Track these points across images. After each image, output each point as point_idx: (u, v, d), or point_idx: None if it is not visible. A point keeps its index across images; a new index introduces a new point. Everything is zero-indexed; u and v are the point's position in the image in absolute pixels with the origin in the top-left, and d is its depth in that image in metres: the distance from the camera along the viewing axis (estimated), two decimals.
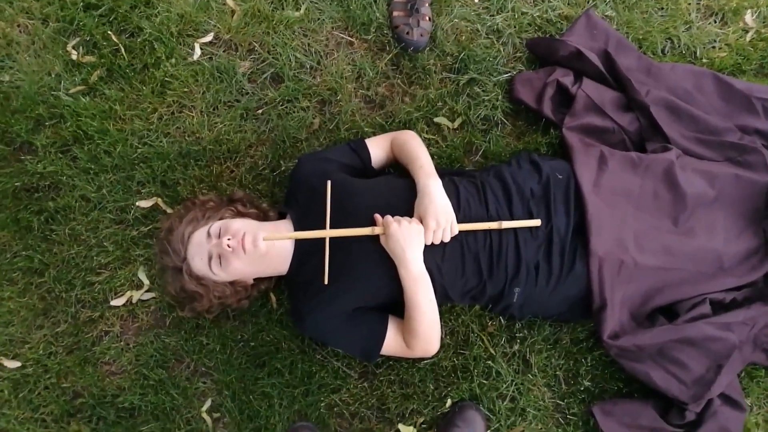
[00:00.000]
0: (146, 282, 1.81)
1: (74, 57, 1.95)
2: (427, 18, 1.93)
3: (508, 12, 1.96)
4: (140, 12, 1.98)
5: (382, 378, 1.73)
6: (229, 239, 1.53)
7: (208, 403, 1.74)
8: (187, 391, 1.74)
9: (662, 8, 1.98)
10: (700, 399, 1.51)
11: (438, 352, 1.68)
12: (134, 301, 1.80)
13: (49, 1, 1.97)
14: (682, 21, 1.94)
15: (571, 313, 1.66)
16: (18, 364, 1.76)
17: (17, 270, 1.82)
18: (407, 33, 1.92)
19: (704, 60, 1.89)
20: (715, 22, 1.94)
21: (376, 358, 1.67)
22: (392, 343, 1.63)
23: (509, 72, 1.93)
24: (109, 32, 1.95)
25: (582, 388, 1.68)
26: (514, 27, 1.96)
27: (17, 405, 1.74)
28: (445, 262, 1.58)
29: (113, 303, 1.79)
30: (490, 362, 1.71)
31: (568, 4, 1.99)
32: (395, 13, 1.95)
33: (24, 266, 1.82)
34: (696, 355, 1.51)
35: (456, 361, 1.72)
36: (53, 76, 1.94)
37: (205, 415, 1.74)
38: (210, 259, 1.57)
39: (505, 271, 1.58)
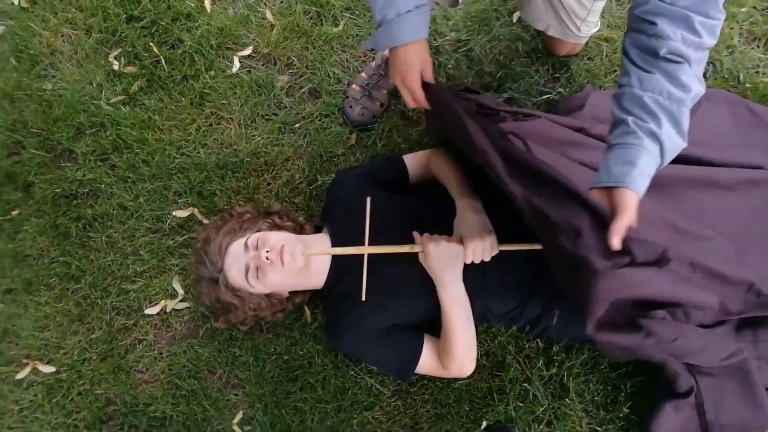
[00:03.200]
0: (181, 292, 1.80)
1: (116, 67, 1.96)
2: (378, 104, 1.90)
3: None
4: (181, 25, 1.99)
5: (415, 397, 1.70)
6: (268, 251, 1.52)
7: (239, 416, 1.72)
8: (219, 403, 1.73)
9: None
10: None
11: (473, 372, 1.64)
12: (168, 310, 1.79)
13: (92, 12, 2.00)
14: (724, 45, 1.92)
15: None
16: (53, 369, 1.75)
17: (54, 275, 1.83)
18: (350, 107, 1.90)
19: (747, 84, 1.86)
20: (758, 47, 1.91)
21: (411, 376, 1.64)
22: (427, 363, 1.60)
23: (549, 93, 1.91)
24: (150, 44, 1.96)
25: (621, 415, 1.63)
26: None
27: (50, 410, 1.73)
28: (484, 282, 1.55)
29: (147, 311, 1.79)
30: (526, 385, 1.68)
31: (608, 26, 1.97)
32: (353, 86, 1.92)
33: (61, 272, 1.83)
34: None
35: (492, 383, 1.69)
36: (95, 85, 1.95)
37: (236, 428, 1.72)
38: (247, 270, 1.56)
39: (545, 293, 1.55)
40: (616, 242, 1.13)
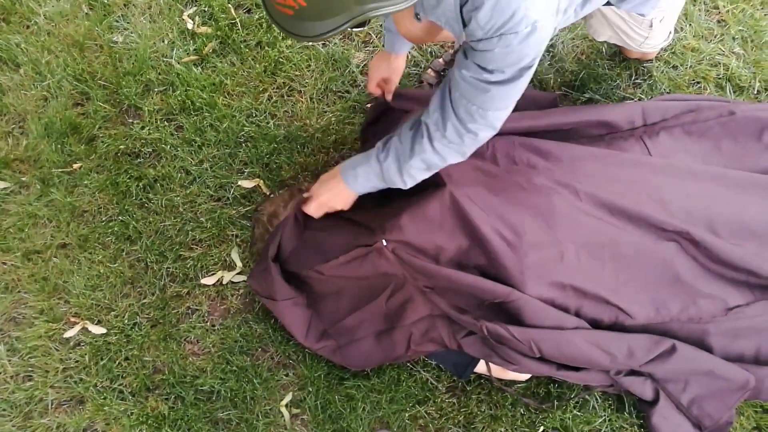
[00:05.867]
0: (239, 264, 1.70)
1: (189, 26, 1.85)
2: None
3: None
4: None
5: (471, 395, 1.61)
6: None
7: (288, 397, 1.63)
8: (269, 382, 1.63)
9: None
10: None
11: (532, 376, 1.57)
12: (225, 282, 1.69)
13: None
14: None
15: None
16: (103, 330, 1.65)
17: (111, 234, 1.72)
18: None
19: None
20: None
21: (469, 375, 1.57)
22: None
23: (630, 98, 1.81)
24: (228, 5, 1.85)
25: None
26: None
27: (96, 372, 1.63)
28: None
29: (203, 281, 1.69)
30: (586, 395, 1.59)
31: (695, 35, 1.87)
32: (429, 71, 1.83)
33: (118, 231, 1.72)
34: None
35: (551, 388, 1.60)
36: (166, 43, 1.84)
37: (283, 409, 1.62)
38: None
39: None
40: None
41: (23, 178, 1.78)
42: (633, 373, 1.47)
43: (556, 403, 1.58)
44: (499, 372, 1.56)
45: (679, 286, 1.42)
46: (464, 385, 1.62)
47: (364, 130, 1.73)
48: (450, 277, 1.39)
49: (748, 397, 1.48)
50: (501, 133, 1.57)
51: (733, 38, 1.85)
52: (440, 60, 1.82)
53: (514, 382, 1.61)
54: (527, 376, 1.58)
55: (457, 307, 1.44)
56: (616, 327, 1.43)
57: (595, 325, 1.43)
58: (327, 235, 1.51)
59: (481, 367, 1.56)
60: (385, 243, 1.40)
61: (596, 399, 1.59)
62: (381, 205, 1.56)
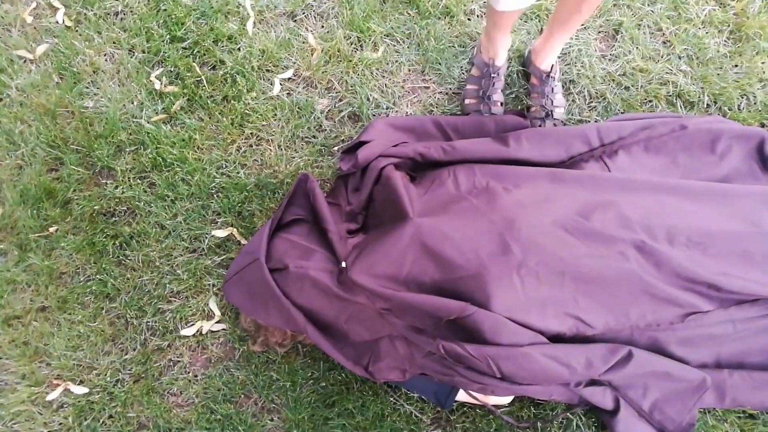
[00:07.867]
0: (217, 313, 1.71)
1: (157, 86, 1.90)
2: (499, 104, 1.83)
3: (583, 62, 1.90)
4: (223, 46, 1.94)
5: (456, 425, 1.60)
6: None
7: None
8: (254, 429, 1.62)
9: (736, 65, 1.92)
10: None
11: (515, 400, 1.57)
12: (204, 331, 1.70)
13: (136, 32, 1.94)
14: (756, 78, 1.87)
15: None
16: (85, 390, 1.64)
17: (89, 294, 1.73)
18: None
19: None
20: None
21: (451, 404, 1.56)
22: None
23: (587, 120, 1.86)
24: (192, 64, 1.91)
25: None
26: (589, 78, 1.90)
27: None
28: None
29: (183, 333, 1.69)
30: (569, 414, 1.59)
31: (643, 57, 1.93)
32: (467, 101, 1.85)
33: (97, 290, 1.73)
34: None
35: (534, 410, 1.60)
36: (136, 104, 1.89)
37: None
38: None
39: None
40: None
41: (0, 246, 1.80)
42: (593, 383, 1.47)
43: (539, 425, 1.58)
44: (480, 398, 1.55)
45: (637, 295, 1.43)
46: (448, 415, 1.61)
47: (339, 179, 1.77)
48: (404, 299, 1.40)
49: (714, 404, 1.49)
50: (461, 161, 1.62)
51: (679, 57, 1.92)
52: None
53: (498, 407, 1.60)
54: (509, 399, 1.58)
55: (414, 328, 1.45)
56: (577, 339, 1.43)
57: (558, 338, 1.43)
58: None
59: (462, 395, 1.55)
60: (344, 264, 1.42)
61: (580, 418, 1.58)
62: (352, 235, 1.58)
